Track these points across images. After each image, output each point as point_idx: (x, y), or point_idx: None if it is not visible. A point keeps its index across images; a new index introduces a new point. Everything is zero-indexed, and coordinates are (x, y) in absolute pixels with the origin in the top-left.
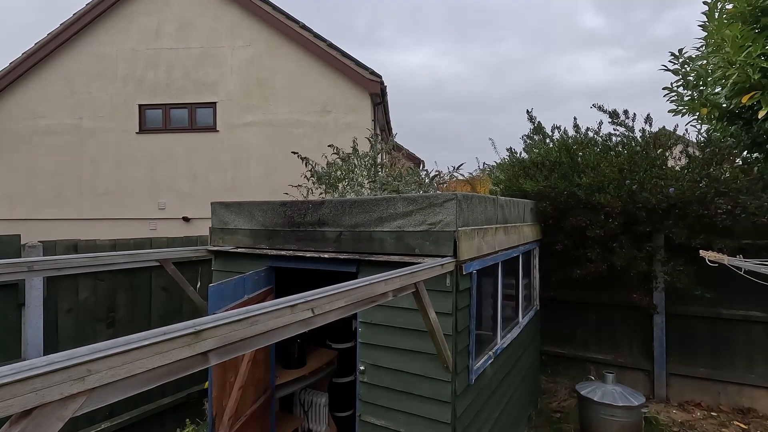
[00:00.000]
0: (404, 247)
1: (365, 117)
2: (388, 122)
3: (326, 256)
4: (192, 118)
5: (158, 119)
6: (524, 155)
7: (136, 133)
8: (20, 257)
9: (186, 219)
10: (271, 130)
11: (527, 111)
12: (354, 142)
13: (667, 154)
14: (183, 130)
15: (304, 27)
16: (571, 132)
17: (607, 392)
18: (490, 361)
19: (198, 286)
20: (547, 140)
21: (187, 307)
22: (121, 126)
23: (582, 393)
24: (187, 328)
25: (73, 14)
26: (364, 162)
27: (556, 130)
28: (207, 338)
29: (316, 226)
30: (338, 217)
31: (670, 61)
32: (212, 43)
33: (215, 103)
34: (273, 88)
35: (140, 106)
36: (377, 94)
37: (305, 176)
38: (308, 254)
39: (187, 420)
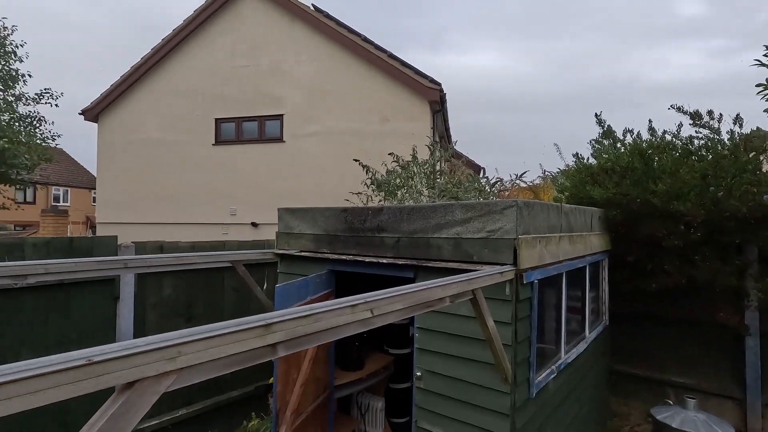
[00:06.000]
0: (462, 253)
1: (424, 125)
2: (447, 129)
3: (384, 261)
4: (261, 129)
5: (231, 131)
6: (592, 161)
7: (212, 144)
8: (117, 256)
9: (254, 224)
10: (333, 139)
11: (596, 114)
12: (413, 150)
13: (761, 158)
14: (253, 141)
15: (365, 39)
16: (645, 135)
17: (688, 419)
18: (552, 376)
19: (264, 287)
20: (618, 144)
21: (254, 307)
22: (200, 138)
23: (658, 418)
24: (259, 321)
25: (162, 39)
26: (423, 169)
27: (629, 134)
28: (276, 331)
29: (375, 231)
30: (396, 224)
31: (765, 55)
32: (280, 58)
33: (282, 115)
34: (335, 100)
35: (216, 119)
36: (436, 101)
37: (365, 184)
38: (367, 259)
39: (253, 414)
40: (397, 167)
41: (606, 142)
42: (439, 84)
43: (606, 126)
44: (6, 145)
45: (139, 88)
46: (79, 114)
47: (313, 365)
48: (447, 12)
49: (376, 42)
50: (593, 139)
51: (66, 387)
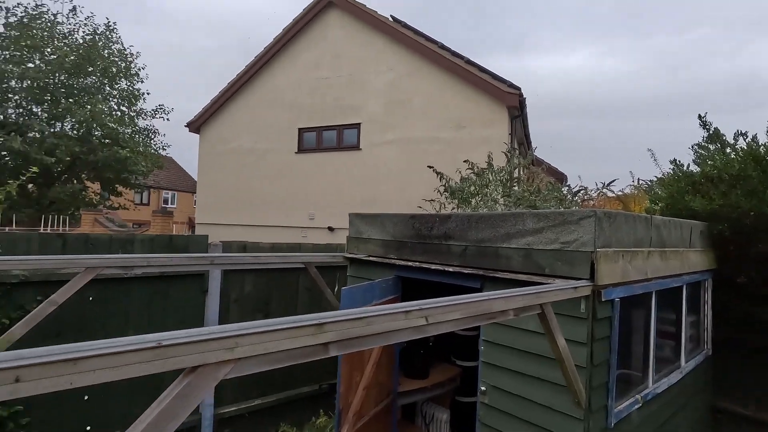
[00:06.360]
0: (533, 265)
1: (501, 131)
2: (527, 135)
3: (450, 269)
4: (340, 138)
5: (313, 140)
6: (693, 168)
7: (295, 153)
8: (206, 253)
9: (330, 229)
10: (408, 147)
11: (699, 116)
12: (489, 156)
13: None
14: (332, 149)
15: (442, 47)
16: (763, 139)
17: None
18: (636, 406)
19: (335, 289)
20: (728, 150)
21: (325, 306)
22: (285, 147)
23: None
24: (312, 320)
25: (255, 57)
26: (499, 177)
27: (741, 137)
28: (328, 331)
29: (442, 239)
30: (464, 232)
31: None
32: (359, 69)
33: (359, 124)
34: (411, 108)
35: (300, 129)
36: (515, 107)
37: (438, 191)
38: (433, 266)
39: (321, 411)
40: (472, 174)
41: (712, 147)
42: (519, 88)
43: (712, 129)
44: (128, 155)
45: (233, 102)
46: (185, 126)
47: (376, 369)
48: (530, 13)
49: (453, 48)
50: (696, 144)
51: (137, 365)
